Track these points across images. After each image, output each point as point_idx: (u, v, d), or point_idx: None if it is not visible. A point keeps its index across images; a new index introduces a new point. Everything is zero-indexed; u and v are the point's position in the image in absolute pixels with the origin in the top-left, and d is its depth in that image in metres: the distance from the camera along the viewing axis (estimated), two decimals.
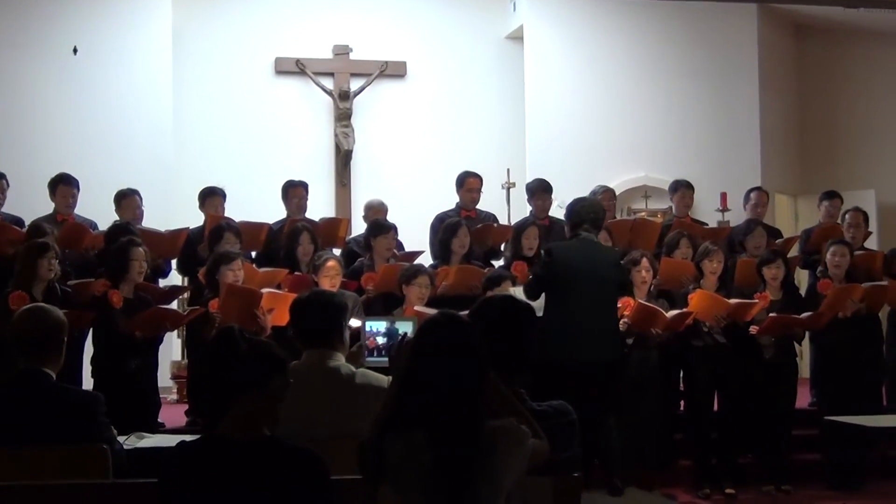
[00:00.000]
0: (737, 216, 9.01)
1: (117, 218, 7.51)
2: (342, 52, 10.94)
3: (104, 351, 6.25)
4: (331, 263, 6.47)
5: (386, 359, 4.01)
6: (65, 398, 3.64)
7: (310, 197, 8.10)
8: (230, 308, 6.02)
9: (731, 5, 10.85)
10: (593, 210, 6.34)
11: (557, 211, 7.99)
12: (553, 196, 8.08)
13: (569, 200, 6.58)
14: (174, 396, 8.59)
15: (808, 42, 11.86)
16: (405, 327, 4.10)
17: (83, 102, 9.86)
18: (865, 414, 5.99)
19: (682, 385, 7.11)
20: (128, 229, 6.88)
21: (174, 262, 7.58)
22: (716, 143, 10.85)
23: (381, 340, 4.29)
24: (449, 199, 8.09)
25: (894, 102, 11.43)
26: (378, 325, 4.31)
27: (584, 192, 7.46)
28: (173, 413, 7.32)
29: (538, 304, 5.90)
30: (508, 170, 10.05)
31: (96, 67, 9.91)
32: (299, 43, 10.91)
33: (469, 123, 11.14)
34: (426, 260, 7.45)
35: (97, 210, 7.77)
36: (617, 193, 8.91)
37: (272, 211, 8.05)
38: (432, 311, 4.77)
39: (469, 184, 7.94)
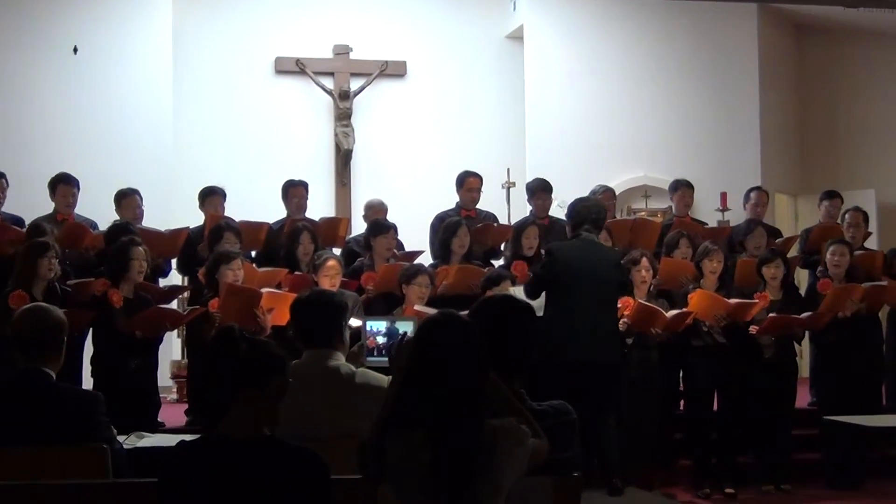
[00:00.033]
0: (737, 216, 9.01)
1: (117, 217, 7.50)
2: (342, 51, 10.93)
3: (104, 350, 6.25)
4: (331, 263, 6.47)
5: (386, 358, 4.01)
6: (65, 398, 3.64)
7: (310, 196, 8.09)
8: (230, 307, 6.02)
9: (731, 5, 10.84)
10: (595, 210, 6.35)
11: (557, 210, 7.99)
12: (553, 196, 8.08)
13: (569, 200, 6.58)
14: (174, 396, 8.60)
15: (808, 42, 11.86)
16: (405, 327, 4.10)
17: (83, 102, 9.86)
18: (865, 413, 5.98)
19: (681, 385, 7.12)
20: (128, 229, 6.88)
21: (174, 262, 7.58)
22: (716, 143, 10.85)
23: (381, 340, 4.29)
24: (449, 199, 8.09)
25: (894, 102, 11.43)
26: (378, 325, 4.31)
27: (584, 192, 7.46)
28: (173, 412, 7.31)
29: (538, 304, 5.91)
30: (508, 169, 10.05)
31: (96, 67, 9.92)
32: (299, 42, 10.91)
33: (469, 123, 11.13)
34: (426, 260, 7.45)
35: (97, 210, 7.77)
36: (617, 193, 8.91)
37: (272, 210, 8.05)
38: (432, 311, 4.78)
39: (469, 183, 7.94)
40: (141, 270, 6.27)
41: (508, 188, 9.94)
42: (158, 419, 6.60)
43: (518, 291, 6.13)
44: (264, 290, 6.19)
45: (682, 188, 8.31)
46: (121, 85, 9.96)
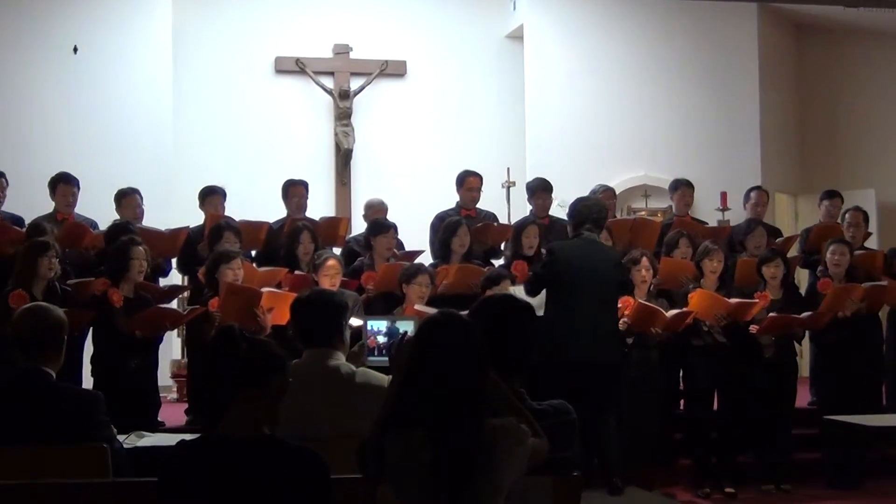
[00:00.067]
0: (737, 215, 9.01)
1: (117, 217, 7.50)
2: (342, 51, 10.94)
3: (104, 350, 6.25)
4: (331, 262, 6.47)
5: (386, 358, 4.01)
6: (65, 397, 3.63)
7: (310, 196, 8.09)
8: (230, 307, 6.02)
9: (731, 4, 10.85)
10: (596, 210, 6.35)
11: (557, 210, 7.99)
12: (553, 195, 8.07)
13: (569, 200, 6.58)
14: (174, 395, 8.60)
15: (808, 41, 11.86)
16: (406, 327, 4.09)
17: (83, 101, 9.86)
18: (865, 413, 5.97)
19: (681, 384, 7.12)
20: (128, 228, 6.88)
21: (174, 262, 7.58)
22: (716, 143, 10.85)
23: (381, 340, 4.29)
24: (449, 198, 8.09)
25: (894, 102, 11.43)
26: (379, 325, 4.31)
27: (585, 192, 7.46)
28: (173, 412, 7.32)
29: (538, 303, 5.90)
30: (508, 169, 10.05)
31: (96, 66, 9.92)
32: (299, 42, 10.91)
33: (469, 122, 11.14)
34: (426, 259, 7.44)
35: (97, 209, 7.77)
36: (617, 192, 8.90)
37: (272, 210, 8.04)
38: (432, 311, 4.78)
39: (469, 183, 7.94)
40: (141, 270, 6.26)
41: (508, 188, 9.94)
42: (158, 419, 6.59)
43: (518, 291, 6.13)
44: (264, 289, 6.19)
45: (682, 187, 8.31)
46: (120, 84, 9.97)
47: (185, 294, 7.64)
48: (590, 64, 10.90)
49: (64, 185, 7.50)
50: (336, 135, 10.84)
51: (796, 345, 7.23)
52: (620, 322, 6.34)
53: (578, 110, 10.79)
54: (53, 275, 6.10)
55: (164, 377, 7.94)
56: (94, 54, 9.90)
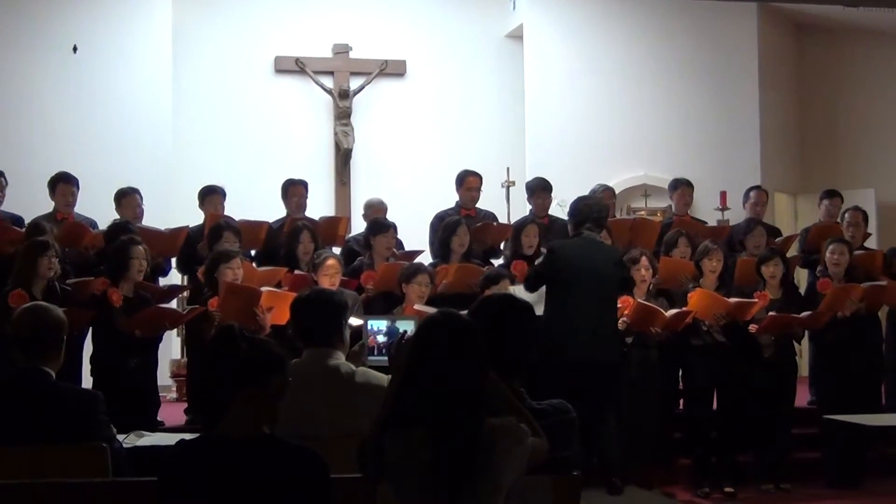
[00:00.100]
0: (736, 215, 9.01)
1: (117, 216, 7.50)
2: (342, 50, 10.94)
3: (104, 349, 6.24)
4: (330, 262, 6.47)
5: (386, 357, 4.01)
6: (64, 397, 3.64)
7: (309, 195, 8.09)
8: (230, 306, 6.02)
9: (731, 4, 10.85)
10: (597, 209, 6.36)
11: (557, 209, 7.99)
12: (553, 195, 8.07)
13: (569, 199, 6.58)
14: (174, 395, 8.60)
15: (808, 41, 11.86)
16: (406, 326, 4.10)
17: (83, 101, 9.87)
18: (864, 413, 5.99)
19: (681, 384, 7.12)
20: (127, 228, 6.88)
21: (174, 261, 7.58)
22: (715, 142, 10.85)
23: (381, 339, 4.29)
24: (448, 198, 8.09)
25: (894, 101, 11.43)
26: (379, 324, 4.31)
27: (584, 191, 7.46)
28: (173, 411, 7.32)
29: (535, 298, 5.90)
30: (508, 168, 10.05)
31: (96, 66, 9.92)
32: (299, 41, 10.91)
33: (469, 122, 11.14)
34: (426, 259, 7.44)
35: (97, 209, 7.77)
36: (616, 192, 8.91)
37: (272, 209, 8.04)
38: (432, 310, 4.78)
39: (469, 182, 7.94)
40: (140, 269, 6.26)
41: (508, 187, 9.94)
42: (158, 418, 6.59)
43: (517, 290, 6.14)
44: (264, 288, 6.18)
45: (681, 187, 8.31)
46: (120, 84, 9.97)
47: (185, 294, 7.64)
48: (589, 63, 10.90)
49: (64, 184, 7.50)
50: (336, 134, 10.84)
51: (796, 344, 7.23)
52: (620, 321, 6.34)
53: (578, 110, 10.80)
54: (53, 274, 6.10)
55: (164, 377, 7.95)
56: (94, 54, 9.91)
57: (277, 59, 10.90)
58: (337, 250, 7.39)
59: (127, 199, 7.66)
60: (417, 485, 2.53)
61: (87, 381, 6.20)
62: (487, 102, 11.28)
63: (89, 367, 6.27)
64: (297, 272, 6.78)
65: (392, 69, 11.03)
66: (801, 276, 8.66)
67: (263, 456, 2.61)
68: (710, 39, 11.00)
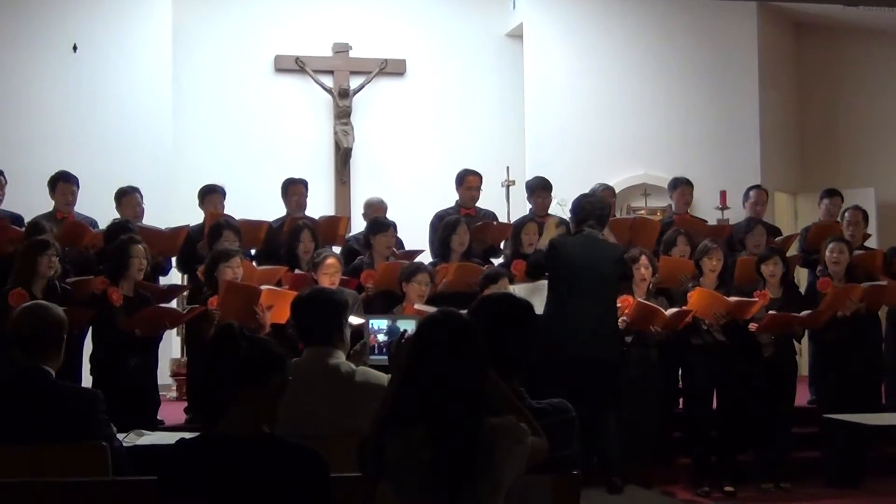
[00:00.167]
0: (736, 214, 9.01)
1: (117, 216, 7.49)
2: (342, 49, 10.94)
3: (104, 348, 6.24)
4: (330, 261, 6.46)
5: (386, 357, 4.01)
6: (64, 396, 3.64)
7: (309, 195, 8.09)
8: (229, 305, 6.02)
9: (731, 3, 10.85)
10: (599, 206, 6.37)
11: (557, 209, 7.99)
12: (553, 194, 8.07)
13: (569, 198, 6.58)
14: (174, 394, 8.61)
15: (808, 40, 11.86)
16: (407, 325, 4.10)
17: (83, 100, 9.86)
18: (864, 412, 5.99)
19: (681, 383, 7.12)
20: (127, 227, 6.87)
21: (174, 260, 7.58)
22: (715, 141, 10.85)
23: (382, 338, 4.29)
24: (448, 197, 8.09)
25: (894, 100, 11.43)
26: (380, 323, 4.31)
27: (584, 190, 7.44)
28: (173, 410, 7.32)
29: (533, 295, 5.90)
30: (508, 168, 10.05)
31: (96, 65, 9.92)
32: (299, 41, 10.91)
33: (469, 121, 11.14)
34: (426, 258, 7.44)
35: (97, 208, 7.76)
36: (616, 191, 8.91)
37: (272, 209, 8.04)
38: (432, 309, 4.78)
39: (468, 182, 7.94)
40: (140, 268, 6.25)
41: (508, 186, 9.95)
42: (158, 417, 6.59)
43: (517, 289, 6.14)
44: (264, 287, 6.18)
45: (681, 186, 8.31)
46: (120, 83, 9.96)
47: (185, 293, 7.63)
48: (589, 62, 10.90)
49: (63, 183, 7.49)
50: (335, 133, 10.84)
51: (796, 343, 7.23)
52: (619, 320, 6.34)
53: (578, 109, 10.80)
54: (53, 273, 6.10)
55: (164, 376, 7.94)
56: (94, 53, 9.90)
57: (277, 59, 10.90)
58: (337, 249, 7.39)
59: (127, 198, 7.65)
60: (417, 484, 2.53)
61: (86, 381, 6.20)
62: (487, 102, 11.28)
63: (89, 366, 6.27)
64: (297, 271, 6.78)
65: (392, 68, 11.03)
66: (802, 276, 8.66)
67: (263, 455, 2.61)
68: (710, 39, 11.00)
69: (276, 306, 6.02)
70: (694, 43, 10.99)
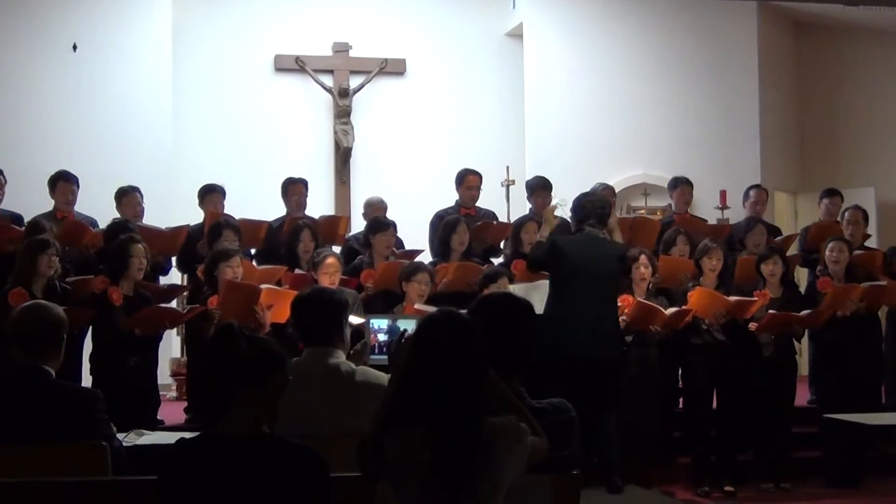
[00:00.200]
0: (736, 214, 9.01)
1: (117, 215, 7.49)
2: (342, 49, 10.94)
3: (103, 348, 6.24)
4: (330, 260, 6.46)
5: (386, 356, 4.01)
6: (64, 395, 3.64)
7: (309, 194, 8.09)
8: (229, 304, 6.01)
9: (731, 3, 10.85)
10: (600, 205, 6.36)
11: (557, 208, 7.98)
12: (553, 193, 8.07)
13: (569, 198, 6.57)
14: (173, 394, 8.61)
15: (808, 39, 11.86)
16: (408, 325, 4.09)
17: (83, 99, 9.86)
18: (864, 412, 5.99)
19: (681, 382, 7.12)
20: (127, 227, 6.87)
21: (174, 260, 7.58)
22: (715, 141, 10.85)
23: (382, 338, 4.29)
24: (448, 197, 8.09)
25: (894, 100, 11.43)
26: (381, 323, 4.31)
27: (584, 190, 7.45)
28: (173, 410, 7.32)
29: (530, 288, 5.89)
30: (508, 167, 10.06)
31: (96, 64, 9.92)
32: (299, 40, 10.91)
33: (469, 121, 11.14)
34: (426, 258, 7.44)
35: (96, 208, 7.76)
36: (616, 191, 8.90)
37: (272, 208, 8.04)
38: (432, 309, 4.78)
39: (468, 181, 7.94)
40: (140, 268, 6.25)
41: (508, 186, 9.95)
42: (158, 417, 6.59)
43: (517, 289, 6.13)
44: (263, 286, 6.18)
45: (681, 185, 8.31)
46: (120, 82, 9.96)
47: (185, 293, 7.63)
48: (589, 62, 10.90)
49: (64, 183, 7.49)
50: (335, 133, 10.84)
51: (796, 343, 7.23)
52: (619, 320, 6.33)
53: (578, 108, 10.80)
54: (53, 273, 6.09)
55: (164, 375, 7.94)
56: (94, 52, 9.90)
57: (277, 58, 10.90)
58: (337, 249, 7.38)
59: (127, 197, 7.66)
60: (417, 484, 2.53)
61: (86, 380, 6.20)
62: (487, 101, 11.28)
63: (89, 365, 6.27)
64: (297, 271, 6.78)
65: (392, 68, 11.03)
66: (802, 276, 8.66)
67: (263, 455, 2.61)
68: (710, 38, 11.01)
69: (276, 306, 6.02)
70: (694, 42, 10.99)
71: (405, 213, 8.29)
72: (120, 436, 3.91)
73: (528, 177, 8.62)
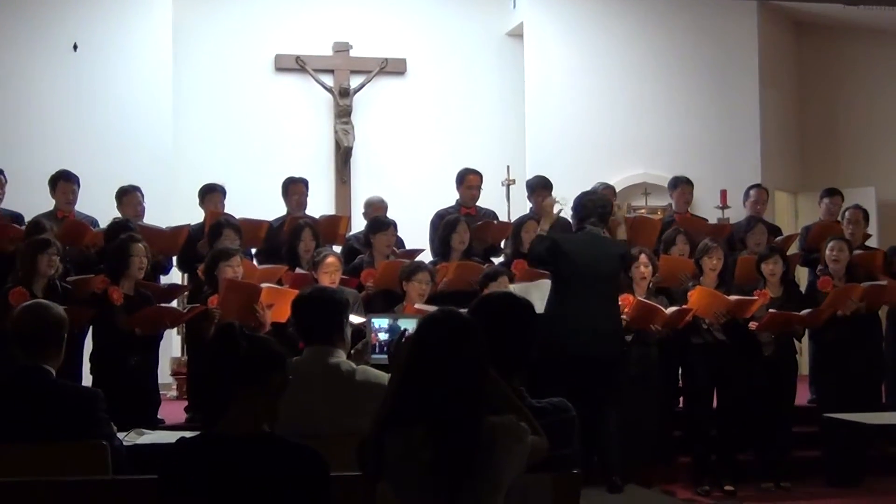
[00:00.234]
0: (737, 213, 9.01)
1: (118, 215, 7.49)
2: (342, 49, 10.94)
3: (104, 347, 6.24)
4: (330, 260, 6.46)
5: (387, 356, 4.01)
6: (64, 394, 3.64)
7: (310, 194, 8.09)
8: (230, 303, 6.02)
9: (731, 2, 10.86)
10: (601, 204, 6.36)
11: (557, 208, 7.98)
12: (553, 193, 8.06)
13: (569, 198, 6.58)
14: (174, 393, 8.61)
15: (808, 39, 11.86)
16: (409, 324, 4.09)
17: (83, 99, 9.86)
18: (864, 411, 5.99)
19: (681, 382, 7.12)
20: (127, 226, 6.87)
21: (175, 259, 7.58)
22: (716, 140, 10.85)
23: (383, 337, 4.29)
24: (449, 196, 8.09)
25: (894, 100, 11.43)
26: (381, 322, 4.31)
27: (585, 189, 7.45)
28: (173, 409, 7.32)
29: (530, 287, 5.89)
30: (508, 167, 10.06)
31: (96, 64, 9.92)
32: (299, 40, 10.91)
33: (469, 120, 11.14)
34: (426, 257, 7.44)
35: (97, 207, 7.76)
36: (617, 190, 8.90)
37: (272, 208, 8.05)
38: (432, 308, 4.78)
39: (469, 181, 7.94)
40: (141, 267, 6.26)
41: (508, 185, 9.95)
42: (158, 416, 6.59)
43: (517, 288, 6.13)
44: (264, 285, 6.19)
45: (681, 185, 8.31)
46: (120, 82, 9.96)
47: (185, 293, 7.63)
48: (590, 62, 10.90)
49: (64, 182, 7.49)
50: (336, 133, 10.84)
51: (796, 342, 7.23)
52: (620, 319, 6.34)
53: (578, 108, 10.80)
54: (54, 272, 6.10)
55: (164, 375, 7.95)
56: (94, 52, 9.90)
57: (278, 58, 10.89)
58: (337, 248, 7.39)
59: (128, 197, 7.66)
60: (417, 483, 2.53)
61: (87, 379, 6.20)
62: (488, 101, 11.27)
63: (89, 365, 6.27)
64: (297, 270, 6.78)
65: (392, 67, 11.03)
66: (802, 275, 8.66)
67: (263, 454, 2.61)
68: (710, 37, 11.00)
69: (277, 305, 6.02)
70: (694, 42, 10.99)
71: (405, 213, 8.29)
72: (120, 435, 3.91)
73: (529, 176, 8.63)
